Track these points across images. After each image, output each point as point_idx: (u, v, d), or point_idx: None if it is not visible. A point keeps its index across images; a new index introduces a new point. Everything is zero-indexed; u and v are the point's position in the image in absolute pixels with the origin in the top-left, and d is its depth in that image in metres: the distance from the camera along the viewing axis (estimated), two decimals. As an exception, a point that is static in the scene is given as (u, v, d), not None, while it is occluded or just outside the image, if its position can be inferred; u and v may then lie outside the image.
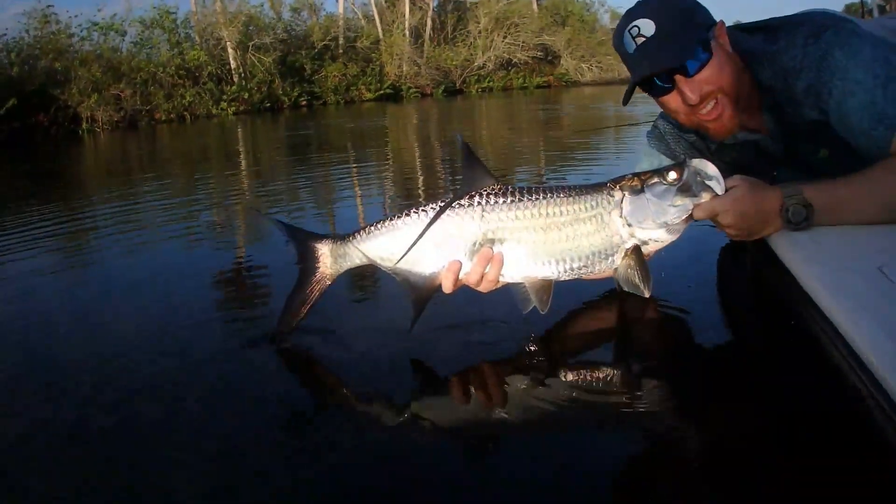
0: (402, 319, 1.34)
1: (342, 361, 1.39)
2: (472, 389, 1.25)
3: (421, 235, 1.26)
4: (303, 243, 1.36)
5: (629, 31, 1.26)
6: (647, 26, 1.24)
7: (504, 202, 1.26)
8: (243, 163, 6.68)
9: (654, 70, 1.25)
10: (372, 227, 1.32)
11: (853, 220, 1.13)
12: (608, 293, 1.54)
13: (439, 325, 1.46)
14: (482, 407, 1.19)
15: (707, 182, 1.16)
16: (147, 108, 16.38)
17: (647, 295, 1.26)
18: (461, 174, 1.31)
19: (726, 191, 1.16)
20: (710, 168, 1.17)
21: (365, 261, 1.33)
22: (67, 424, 1.21)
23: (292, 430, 1.15)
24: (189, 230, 3.23)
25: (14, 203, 4.72)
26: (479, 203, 1.26)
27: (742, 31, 1.35)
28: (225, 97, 17.83)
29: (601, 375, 1.25)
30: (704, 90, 1.25)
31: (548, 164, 5.05)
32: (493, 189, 1.27)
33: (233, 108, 17.67)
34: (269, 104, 18.73)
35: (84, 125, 15.01)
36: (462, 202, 1.26)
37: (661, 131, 1.58)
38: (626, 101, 1.35)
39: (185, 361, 1.46)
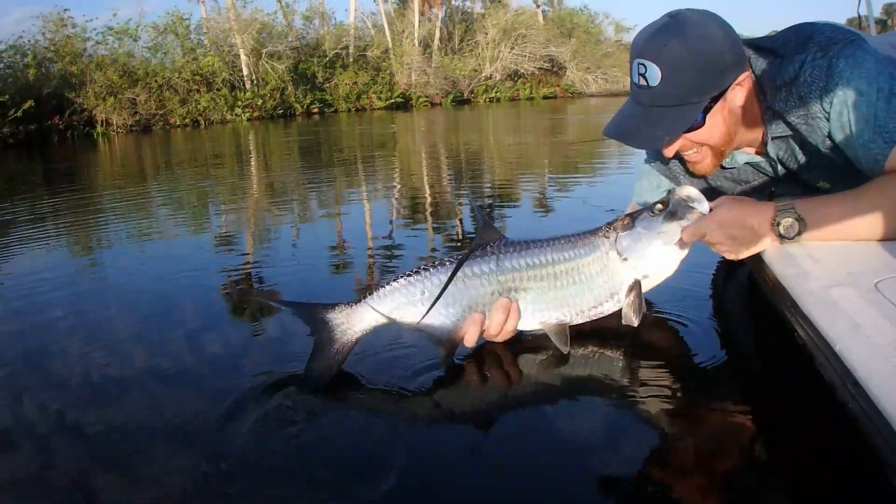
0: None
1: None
2: (473, 394, 1.27)
3: (443, 292, 1.24)
4: (313, 315, 1.28)
5: (638, 63, 1.18)
6: (653, 74, 1.16)
7: (515, 252, 1.28)
8: (254, 164, 6.74)
9: (632, 145, 1.24)
10: (387, 287, 1.29)
11: (847, 236, 1.13)
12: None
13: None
14: (483, 410, 1.21)
15: (692, 205, 1.20)
16: (161, 113, 16.58)
17: (634, 325, 1.30)
18: (476, 229, 1.30)
19: (712, 211, 1.18)
20: (694, 192, 1.21)
21: (383, 322, 1.29)
22: (59, 421, 1.24)
23: (290, 426, 1.16)
24: (196, 232, 3.27)
25: (28, 200, 4.79)
26: (494, 254, 1.28)
27: (752, 49, 1.28)
28: (239, 103, 18.02)
29: (597, 386, 1.26)
30: (684, 144, 1.25)
31: (553, 172, 5.06)
32: (502, 241, 1.30)
33: (247, 114, 17.86)
34: (281, 111, 18.91)
35: (99, 128, 15.20)
36: (477, 254, 1.27)
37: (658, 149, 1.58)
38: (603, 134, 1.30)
39: (182, 362, 1.48)
